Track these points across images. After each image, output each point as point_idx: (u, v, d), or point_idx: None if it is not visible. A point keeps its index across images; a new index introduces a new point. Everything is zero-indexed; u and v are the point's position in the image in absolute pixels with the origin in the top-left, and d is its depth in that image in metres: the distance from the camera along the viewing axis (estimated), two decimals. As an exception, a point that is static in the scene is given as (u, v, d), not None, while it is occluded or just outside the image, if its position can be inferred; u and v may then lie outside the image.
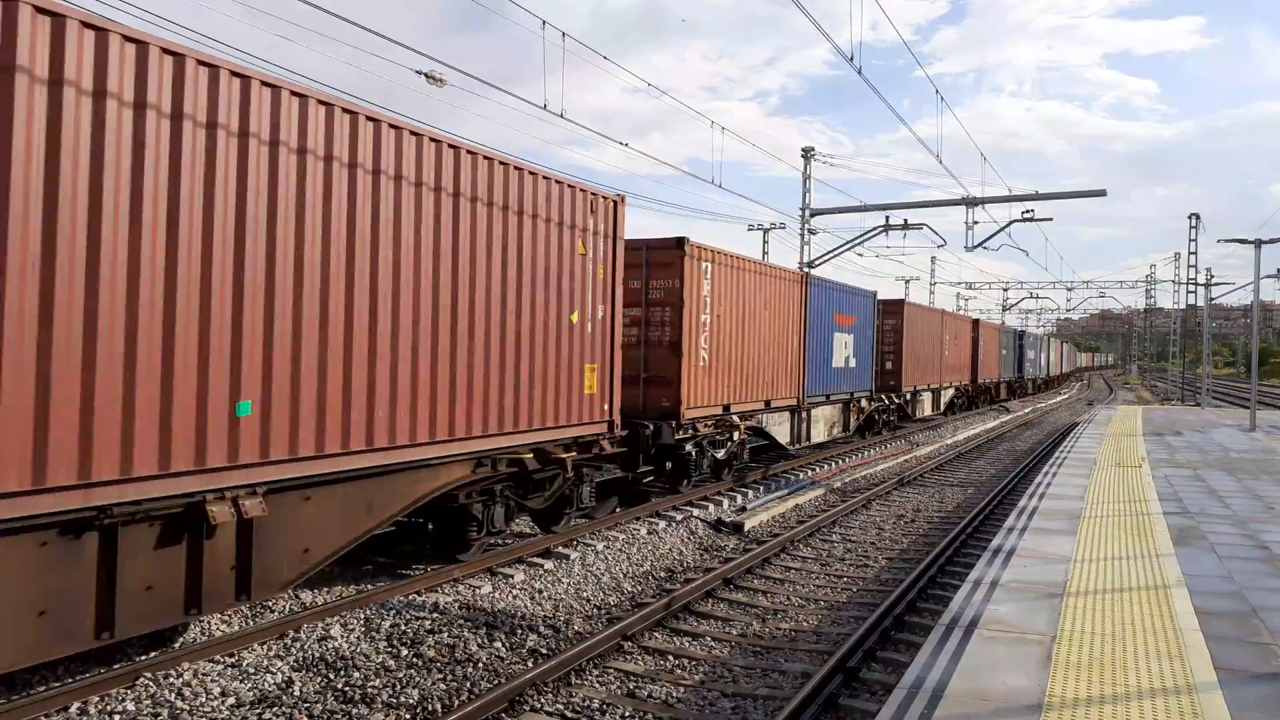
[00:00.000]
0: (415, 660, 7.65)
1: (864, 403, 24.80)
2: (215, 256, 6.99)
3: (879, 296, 27.13)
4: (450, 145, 9.35)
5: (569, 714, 6.85)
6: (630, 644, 8.41)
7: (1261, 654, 6.03)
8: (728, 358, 16.31)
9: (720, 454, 16.60)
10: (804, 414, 20.34)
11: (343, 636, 8.01)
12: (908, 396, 29.32)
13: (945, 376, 34.20)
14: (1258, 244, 24.95)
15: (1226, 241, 28.58)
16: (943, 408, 34.76)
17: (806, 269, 31.03)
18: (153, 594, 6.71)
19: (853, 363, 23.29)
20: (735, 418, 16.87)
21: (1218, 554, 9.06)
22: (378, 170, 8.46)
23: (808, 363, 20.08)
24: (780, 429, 19.28)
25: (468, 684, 7.24)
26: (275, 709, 6.57)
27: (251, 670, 7.20)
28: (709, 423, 15.89)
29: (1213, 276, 44.13)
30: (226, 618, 8.49)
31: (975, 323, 41.23)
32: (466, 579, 10.05)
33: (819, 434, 21.68)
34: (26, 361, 5.81)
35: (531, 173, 10.59)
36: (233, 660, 7.36)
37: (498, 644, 8.13)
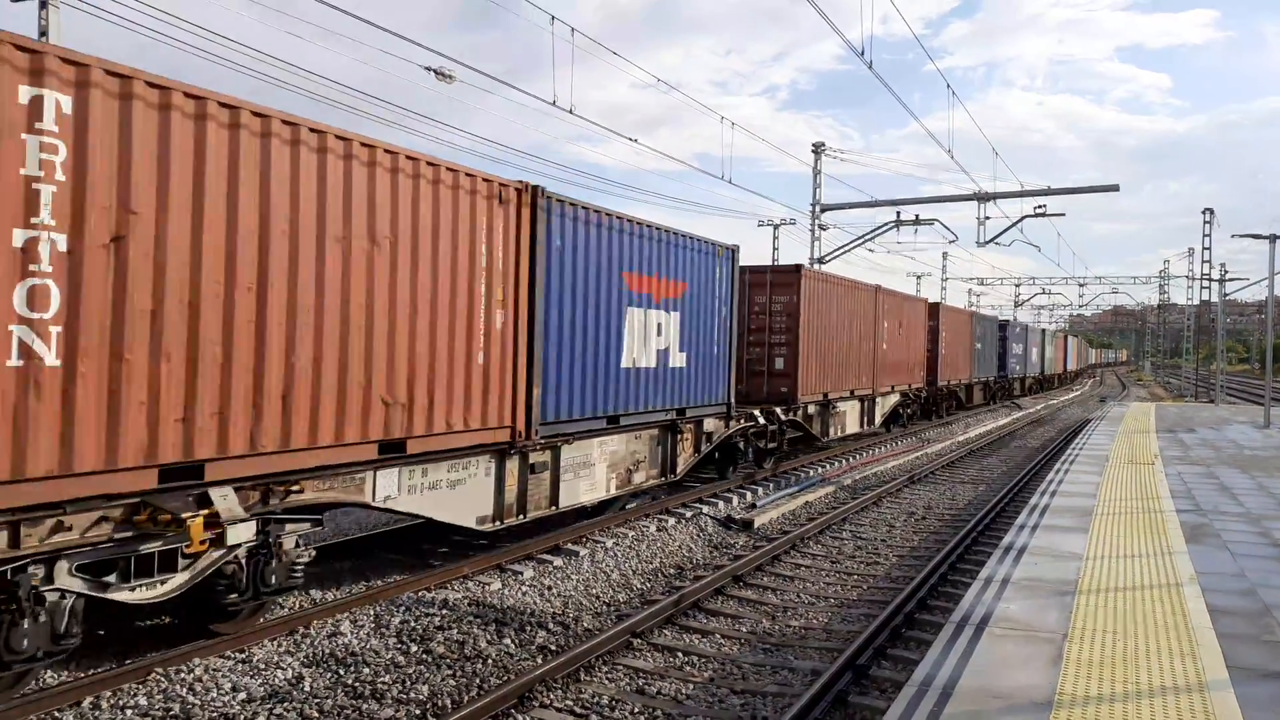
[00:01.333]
0: (425, 656, 7.67)
1: (711, 424, 15.39)
2: None
3: (791, 264, 19.74)
4: None
5: (578, 710, 6.86)
6: (640, 641, 8.42)
7: (1274, 652, 5.98)
8: (167, 338, 6.89)
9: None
10: (537, 459, 10.98)
11: (352, 633, 8.04)
12: (811, 409, 20.06)
13: (883, 378, 24.97)
14: (1272, 239, 24.76)
15: (1241, 236, 28.36)
16: (879, 420, 25.37)
17: (817, 259, 30.95)
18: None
19: (678, 360, 14.05)
20: (214, 499, 7.16)
21: (1231, 552, 9.00)
22: None
23: (550, 358, 10.99)
24: (458, 496, 9.84)
25: (477, 680, 7.26)
26: (286, 704, 6.60)
27: (262, 666, 7.23)
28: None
29: (1227, 272, 43.86)
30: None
31: (934, 307, 31.68)
32: (476, 575, 10.07)
33: (595, 487, 12.32)
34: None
35: None
36: (243, 656, 7.40)
37: (507, 640, 8.14)
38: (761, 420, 17.51)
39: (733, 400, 15.97)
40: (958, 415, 36.12)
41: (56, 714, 6.25)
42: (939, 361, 31.61)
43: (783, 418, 18.53)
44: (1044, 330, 61.51)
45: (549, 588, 9.91)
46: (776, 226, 36.48)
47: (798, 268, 19.37)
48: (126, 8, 9.17)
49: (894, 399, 26.74)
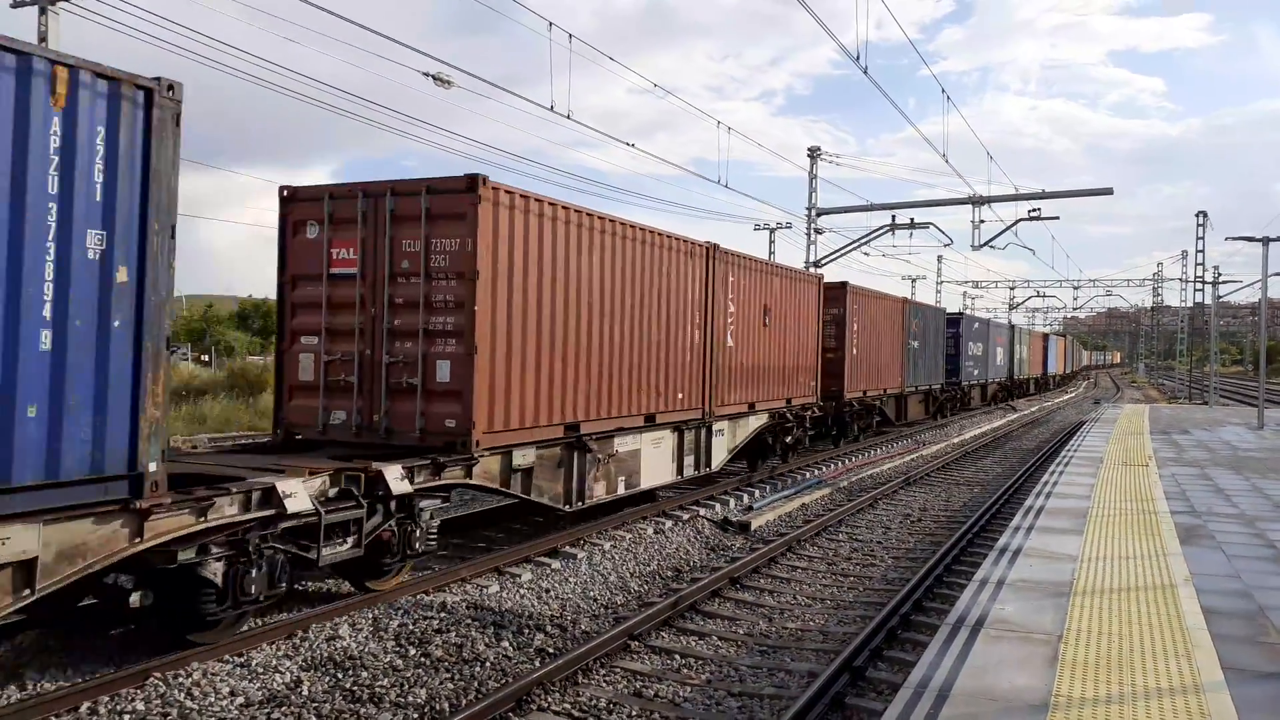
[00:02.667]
0: (423, 660, 7.67)
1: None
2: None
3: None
4: None
5: (576, 713, 6.88)
6: (637, 643, 8.43)
7: (1269, 653, 6.02)
8: None
9: None
10: None
11: (351, 636, 8.05)
12: (521, 458, 10.77)
13: (730, 391, 16.13)
14: (1265, 241, 24.89)
15: (1234, 239, 28.49)
16: (723, 459, 16.18)
17: (813, 263, 31.02)
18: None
19: None
20: None
21: (1225, 553, 9.04)
22: None
23: None
24: None
25: (475, 683, 7.27)
26: (284, 708, 6.61)
27: (260, 670, 7.23)
28: None
29: (1220, 274, 43.95)
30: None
31: (838, 288, 22.82)
32: (474, 579, 10.08)
33: None
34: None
35: None
36: (242, 660, 7.40)
37: (505, 643, 8.15)
38: (309, 506, 8.02)
39: (154, 465, 6.56)
40: (889, 434, 28.22)
41: (54, 719, 6.25)
42: (846, 364, 22.84)
43: (403, 488, 8.96)
44: (1013, 327, 52.09)
45: (547, 590, 9.93)
46: (773, 230, 36.56)
47: (473, 182, 9.79)
48: (123, 13, 9.18)
49: (757, 422, 17.60)
